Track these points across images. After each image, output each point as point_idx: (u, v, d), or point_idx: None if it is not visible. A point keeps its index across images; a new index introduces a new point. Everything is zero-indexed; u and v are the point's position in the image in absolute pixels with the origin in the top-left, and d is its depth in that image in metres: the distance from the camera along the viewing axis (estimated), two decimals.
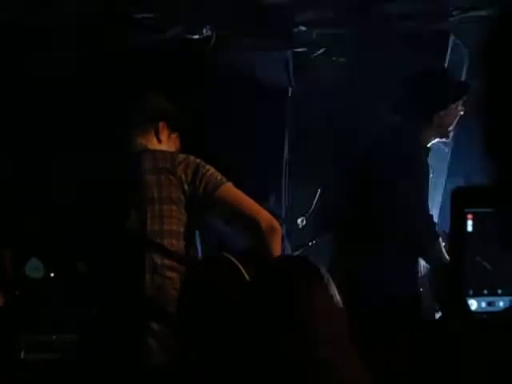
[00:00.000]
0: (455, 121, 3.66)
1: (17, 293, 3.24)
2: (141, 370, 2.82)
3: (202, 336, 2.70)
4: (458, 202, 2.48)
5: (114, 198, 2.97)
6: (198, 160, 3.00)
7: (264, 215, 2.91)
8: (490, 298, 3.33)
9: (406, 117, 3.64)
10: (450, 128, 3.66)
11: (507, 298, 3.40)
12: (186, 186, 2.95)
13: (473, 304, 3.14)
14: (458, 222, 2.57)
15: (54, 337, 3.34)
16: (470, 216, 3.24)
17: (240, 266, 2.68)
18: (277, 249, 2.91)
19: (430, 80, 3.66)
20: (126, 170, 3.02)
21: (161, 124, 3.10)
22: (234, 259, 2.71)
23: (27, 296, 3.27)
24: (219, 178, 2.97)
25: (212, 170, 2.99)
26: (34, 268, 3.26)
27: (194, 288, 2.78)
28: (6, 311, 3.18)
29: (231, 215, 2.95)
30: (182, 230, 2.95)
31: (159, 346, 2.82)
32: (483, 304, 3.38)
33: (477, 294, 3.38)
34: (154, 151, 3.05)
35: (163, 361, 2.79)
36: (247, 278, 2.65)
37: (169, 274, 2.88)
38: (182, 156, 3.01)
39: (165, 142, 3.11)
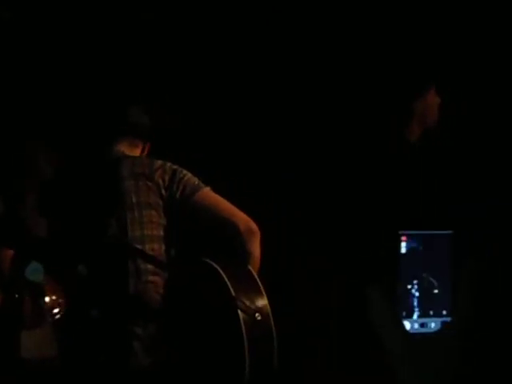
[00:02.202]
0: None
1: (16, 296, 3.29)
2: (126, 373, 2.88)
3: (184, 338, 2.83)
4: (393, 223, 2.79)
5: (92, 204, 3.01)
6: (175, 166, 3.04)
7: (241, 218, 2.93)
8: (422, 320, 3.74)
9: None
10: None
11: (438, 320, 3.63)
12: (163, 191, 2.99)
13: (406, 325, 3.71)
14: (392, 243, 2.91)
15: None
16: (403, 238, 3.80)
17: (220, 269, 2.78)
18: (256, 250, 2.93)
19: None
20: (104, 176, 3.05)
21: (147, 144, 3.21)
22: (213, 263, 2.80)
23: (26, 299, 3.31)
24: (196, 182, 3.01)
25: (189, 175, 3.03)
26: (34, 271, 3.31)
27: (177, 292, 2.91)
28: (6, 313, 3.22)
29: (209, 219, 2.97)
30: (162, 234, 2.98)
31: (143, 348, 2.87)
32: (416, 325, 3.77)
33: (409, 316, 3.65)
34: (131, 157, 3.09)
35: (147, 363, 2.86)
36: (227, 281, 2.73)
37: (151, 278, 2.92)
38: (159, 162, 3.05)
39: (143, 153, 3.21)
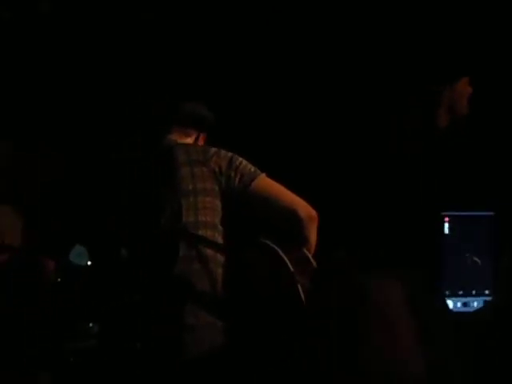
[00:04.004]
0: None
1: (58, 279, 3.31)
2: (176, 364, 2.83)
3: (250, 326, 2.79)
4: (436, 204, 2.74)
5: (148, 191, 2.99)
6: (230, 153, 3.03)
7: (301, 204, 2.92)
8: (465, 299, 3.85)
9: None
10: None
11: (481, 299, 3.64)
12: (219, 177, 2.97)
13: (449, 304, 3.68)
14: (436, 223, 2.87)
15: (90, 324, 3.34)
16: (446, 219, 3.81)
17: (282, 254, 2.77)
18: (313, 236, 2.93)
19: None
20: (159, 163, 3.04)
21: (202, 135, 3.22)
22: (276, 247, 2.80)
23: (69, 283, 3.33)
24: (252, 169, 2.99)
25: (244, 162, 3.01)
26: (78, 255, 3.33)
27: (240, 276, 2.88)
28: (49, 298, 3.24)
29: (268, 206, 2.94)
30: (216, 221, 2.96)
31: (194, 338, 2.82)
32: (458, 304, 3.86)
33: (452, 295, 3.72)
34: (186, 145, 3.10)
35: (198, 354, 2.81)
36: (290, 266, 2.73)
37: (204, 264, 2.88)
38: (213, 149, 3.03)
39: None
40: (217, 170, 2.96)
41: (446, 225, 3.56)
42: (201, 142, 3.21)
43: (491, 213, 3.53)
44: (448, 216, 3.56)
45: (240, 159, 3.01)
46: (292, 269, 2.73)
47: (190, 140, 3.17)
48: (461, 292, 3.53)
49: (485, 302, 3.49)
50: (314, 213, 2.92)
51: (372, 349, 1.66)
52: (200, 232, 2.91)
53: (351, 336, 1.60)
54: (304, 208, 2.91)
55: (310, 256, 2.87)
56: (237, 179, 2.96)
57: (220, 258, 2.91)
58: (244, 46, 4.07)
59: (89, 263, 3.27)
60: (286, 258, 2.76)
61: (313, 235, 2.92)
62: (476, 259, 3.53)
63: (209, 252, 2.90)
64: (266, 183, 2.96)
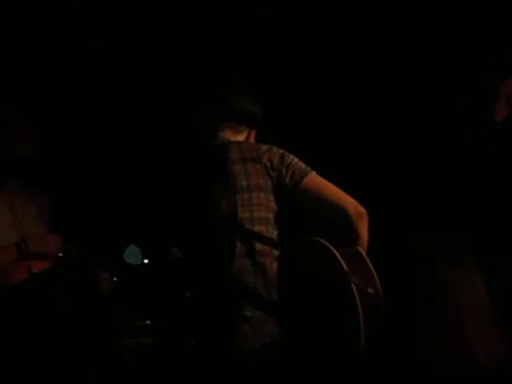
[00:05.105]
0: None
1: (114, 279, 3.36)
2: (236, 357, 2.88)
3: (299, 315, 2.86)
4: None
5: (202, 188, 3.05)
6: (282, 150, 3.09)
7: (350, 202, 2.97)
8: None
9: None
10: None
11: None
12: (272, 174, 3.04)
13: None
14: None
15: (147, 322, 3.41)
16: None
17: (334, 250, 2.81)
18: (365, 233, 2.97)
19: None
20: (212, 160, 3.11)
21: (252, 132, 3.27)
22: (328, 244, 2.84)
23: (125, 282, 3.38)
24: (304, 167, 3.06)
25: (296, 159, 3.08)
26: (132, 254, 3.39)
27: (290, 270, 2.93)
28: (106, 297, 3.28)
29: (318, 203, 2.99)
30: (270, 216, 3.03)
31: (254, 331, 2.88)
32: None
33: None
34: (239, 142, 3.16)
35: (258, 346, 2.87)
36: (339, 257, 2.78)
37: (260, 259, 2.95)
38: (265, 146, 3.10)
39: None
40: (269, 165, 3.03)
41: None
42: (251, 139, 3.27)
43: None
44: None
45: (291, 156, 3.07)
46: (346, 267, 2.77)
47: (241, 137, 3.23)
48: None
49: None
50: (363, 210, 2.96)
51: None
52: (255, 227, 2.98)
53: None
54: (353, 205, 2.95)
55: (363, 253, 2.89)
56: (288, 176, 3.02)
57: (275, 252, 2.97)
58: (290, 44, 4.12)
59: (145, 261, 3.31)
60: (338, 255, 2.80)
61: (364, 232, 2.96)
62: None
63: (265, 247, 2.96)
64: (316, 181, 3.02)
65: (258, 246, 2.96)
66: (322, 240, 2.88)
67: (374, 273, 2.81)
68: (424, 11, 4.00)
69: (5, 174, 3.44)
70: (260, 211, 3.00)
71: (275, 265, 2.96)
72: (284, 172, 3.02)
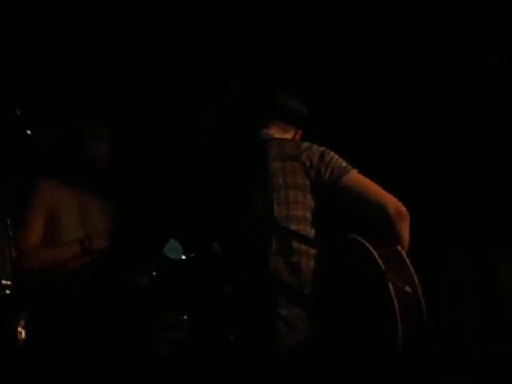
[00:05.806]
0: None
1: (154, 273, 3.37)
2: (271, 354, 2.89)
3: (336, 313, 2.85)
4: None
5: (240, 184, 3.06)
6: (322, 148, 3.07)
7: (391, 200, 2.93)
8: None
9: None
10: None
11: None
12: (310, 172, 3.02)
13: None
14: None
15: (185, 317, 3.35)
16: None
17: (372, 248, 2.80)
18: (405, 233, 2.93)
19: None
20: (252, 157, 3.11)
21: (299, 132, 3.27)
22: (365, 242, 2.83)
23: (164, 277, 3.39)
24: (344, 165, 3.03)
25: (336, 157, 3.05)
26: (172, 249, 3.41)
27: (327, 268, 2.92)
28: (145, 291, 3.30)
29: (358, 201, 2.96)
30: (307, 215, 3.00)
31: (289, 329, 2.88)
32: None
33: None
34: (279, 139, 3.14)
35: (294, 344, 2.87)
36: (380, 262, 2.76)
37: (296, 258, 2.93)
38: (306, 143, 3.09)
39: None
40: (307, 164, 3.01)
41: None
42: (297, 139, 3.25)
43: None
44: None
45: (332, 154, 3.04)
46: (383, 266, 2.74)
47: (287, 136, 3.22)
48: None
49: None
50: (404, 209, 2.92)
51: None
52: (292, 226, 2.97)
53: None
54: (394, 204, 2.91)
55: (403, 252, 2.87)
56: (327, 174, 3.00)
57: (312, 251, 2.95)
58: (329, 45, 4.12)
59: (183, 257, 3.31)
60: (375, 253, 2.77)
61: (404, 232, 2.92)
62: None
63: (301, 246, 2.95)
64: (356, 179, 2.99)
65: (295, 245, 2.95)
66: (359, 238, 2.86)
67: (413, 272, 2.78)
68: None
69: (73, 171, 3.48)
70: (297, 209, 2.99)
71: (312, 263, 2.94)
72: (323, 170, 3.00)
